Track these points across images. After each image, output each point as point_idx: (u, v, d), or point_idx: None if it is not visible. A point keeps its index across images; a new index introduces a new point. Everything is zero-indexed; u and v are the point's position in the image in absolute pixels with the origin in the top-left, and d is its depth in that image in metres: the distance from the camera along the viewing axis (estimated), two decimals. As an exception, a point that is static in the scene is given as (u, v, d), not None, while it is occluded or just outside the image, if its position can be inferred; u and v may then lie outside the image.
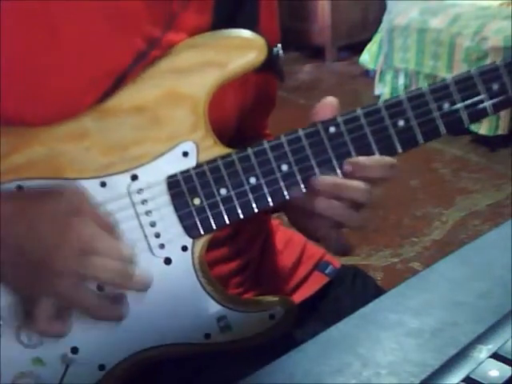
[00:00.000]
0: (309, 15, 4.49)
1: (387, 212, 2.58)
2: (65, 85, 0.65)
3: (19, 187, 0.63)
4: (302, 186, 0.66)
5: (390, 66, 3.47)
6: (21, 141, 0.63)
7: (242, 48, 0.65)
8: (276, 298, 0.68)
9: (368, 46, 3.73)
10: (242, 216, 0.65)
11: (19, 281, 0.60)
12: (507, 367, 0.55)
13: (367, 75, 3.98)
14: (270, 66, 0.68)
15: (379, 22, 3.66)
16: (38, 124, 0.64)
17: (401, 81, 3.44)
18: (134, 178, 0.64)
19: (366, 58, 3.72)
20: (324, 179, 0.65)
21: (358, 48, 3.90)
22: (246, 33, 0.66)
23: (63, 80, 0.65)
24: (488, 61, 2.99)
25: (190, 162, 0.65)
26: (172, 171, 0.65)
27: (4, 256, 0.59)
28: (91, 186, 0.63)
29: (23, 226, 0.59)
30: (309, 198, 0.66)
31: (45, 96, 0.64)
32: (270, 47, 0.66)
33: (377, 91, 3.61)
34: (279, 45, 0.71)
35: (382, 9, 3.75)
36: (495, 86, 0.65)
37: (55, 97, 0.64)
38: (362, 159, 0.65)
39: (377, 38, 3.63)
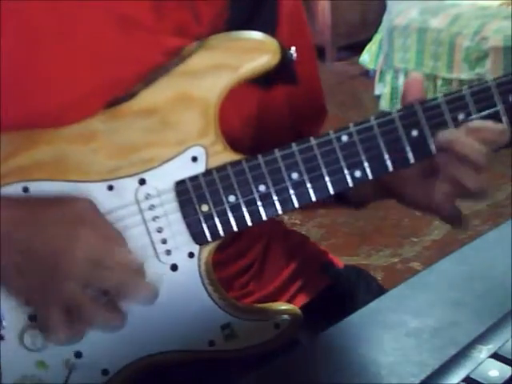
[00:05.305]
0: (309, 15, 4.49)
1: (387, 212, 2.58)
2: (71, 90, 0.64)
3: (25, 189, 0.62)
4: (313, 194, 0.64)
5: (390, 66, 3.47)
6: (27, 141, 0.62)
7: (255, 51, 0.64)
8: (281, 307, 0.67)
9: (368, 46, 3.73)
10: (250, 223, 0.64)
11: (23, 284, 0.60)
12: (507, 367, 0.55)
13: (367, 75, 3.98)
14: (282, 70, 0.66)
15: (379, 22, 3.66)
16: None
17: (401, 81, 3.43)
18: (142, 182, 0.63)
19: (366, 58, 3.72)
20: (444, 135, 0.63)
21: (358, 48, 3.90)
22: (258, 35, 0.64)
23: (69, 86, 0.64)
24: (488, 61, 3.00)
25: (199, 168, 0.64)
26: (180, 176, 0.63)
27: (9, 258, 0.58)
28: (98, 190, 0.63)
29: (31, 229, 0.59)
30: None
31: (50, 103, 0.64)
32: (284, 50, 0.64)
33: (377, 91, 3.61)
34: (293, 48, 0.70)
35: (382, 9, 3.75)
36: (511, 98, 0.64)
37: (61, 103, 0.64)
38: (475, 123, 0.63)
39: (377, 38, 3.63)
